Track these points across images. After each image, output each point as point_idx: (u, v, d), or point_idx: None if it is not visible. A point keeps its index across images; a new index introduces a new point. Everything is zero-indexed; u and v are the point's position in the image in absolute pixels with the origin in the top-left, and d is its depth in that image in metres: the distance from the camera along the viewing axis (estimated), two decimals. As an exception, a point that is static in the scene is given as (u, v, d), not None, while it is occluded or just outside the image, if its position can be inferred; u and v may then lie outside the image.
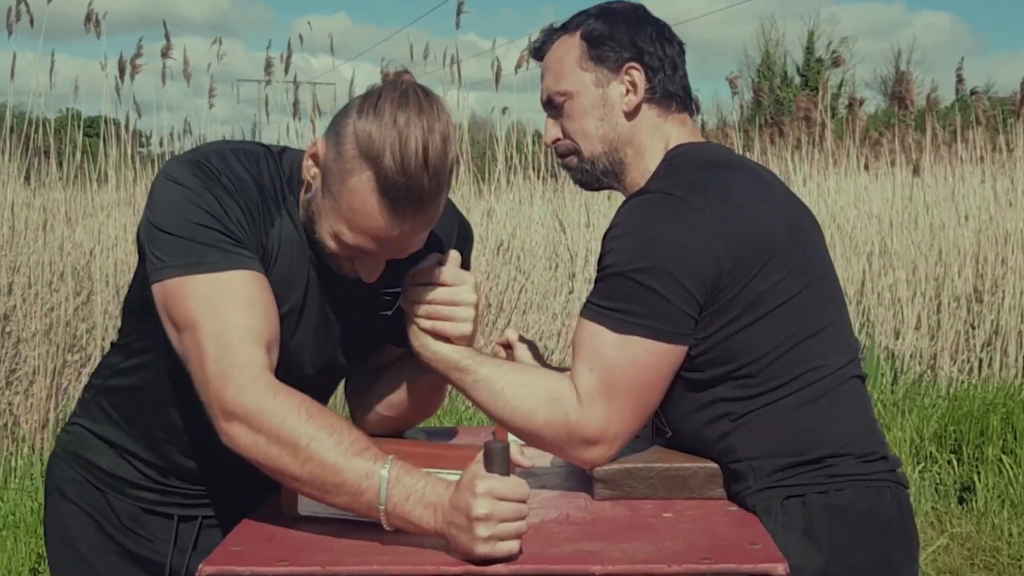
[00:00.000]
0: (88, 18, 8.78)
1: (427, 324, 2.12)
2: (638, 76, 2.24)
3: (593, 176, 2.30)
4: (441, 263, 2.13)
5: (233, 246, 1.97)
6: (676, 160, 2.20)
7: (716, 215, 2.04)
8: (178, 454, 2.27)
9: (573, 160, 2.31)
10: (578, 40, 2.28)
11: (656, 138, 2.26)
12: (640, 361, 2.05)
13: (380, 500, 1.79)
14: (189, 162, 2.03)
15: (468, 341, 2.14)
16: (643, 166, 2.25)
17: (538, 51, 2.37)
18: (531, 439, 2.14)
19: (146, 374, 2.23)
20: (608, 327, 2.06)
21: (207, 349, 1.89)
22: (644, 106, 2.26)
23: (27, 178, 8.29)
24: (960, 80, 11.25)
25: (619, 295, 2.05)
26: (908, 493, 2.18)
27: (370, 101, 1.90)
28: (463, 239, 2.32)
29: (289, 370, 1.97)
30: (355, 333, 2.23)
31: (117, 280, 7.67)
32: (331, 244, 1.99)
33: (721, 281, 2.02)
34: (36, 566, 5.23)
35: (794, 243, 2.12)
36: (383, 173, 1.86)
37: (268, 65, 10.31)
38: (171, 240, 1.96)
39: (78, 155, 8.55)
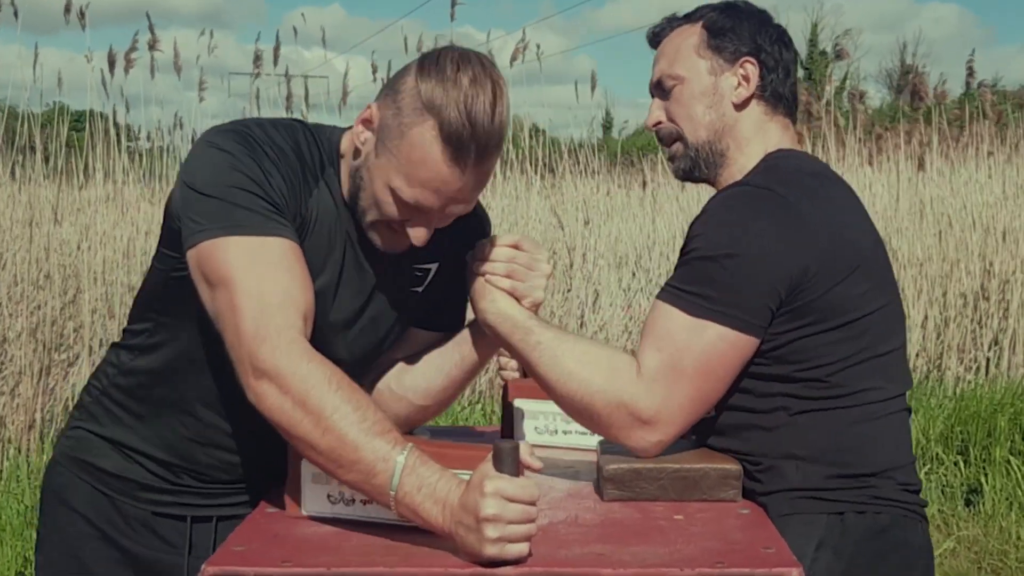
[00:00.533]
0: (67, 9, 8.73)
1: (506, 283, 2.18)
2: (752, 71, 2.29)
3: (696, 164, 2.33)
4: (520, 234, 2.21)
5: (273, 213, 2.00)
6: (775, 163, 2.23)
7: (812, 216, 2.07)
8: (200, 447, 2.26)
9: (679, 148, 2.34)
10: (699, 29, 2.33)
11: (758, 136, 2.30)
12: (712, 347, 2.06)
13: (392, 486, 1.80)
14: (230, 130, 2.06)
15: (536, 308, 2.21)
16: (741, 162, 2.29)
17: (655, 36, 2.43)
18: (582, 411, 2.14)
19: (164, 367, 2.23)
20: (683, 310, 2.08)
21: (244, 306, 1.91)
22: (753, 101, 2.30)
23: (12, 173, 8.27)
24: (971, 73, 11.25)
25: (700, 279, 2.07)
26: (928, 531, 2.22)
27: (430, 60, 1.98)
28: (485, 225, 2.37)
29: (319, 345, 1.98)
30: (387, 311, 2.25)
31: (105, 278, 7.66)
32: (385, 206, 2.03)
33: (806, 282, 2.05)
34: (22, 570, 5.22)
35: (878, 261, 2.17)
36: (447, 121, 1.92)
37: (257, 58, 10.30)
38: (211, 203, 1.98)
39: (64, 150, 8.53)
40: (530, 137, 10.76)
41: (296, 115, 10.14)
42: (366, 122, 2.05)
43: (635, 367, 2.08)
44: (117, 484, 2.29)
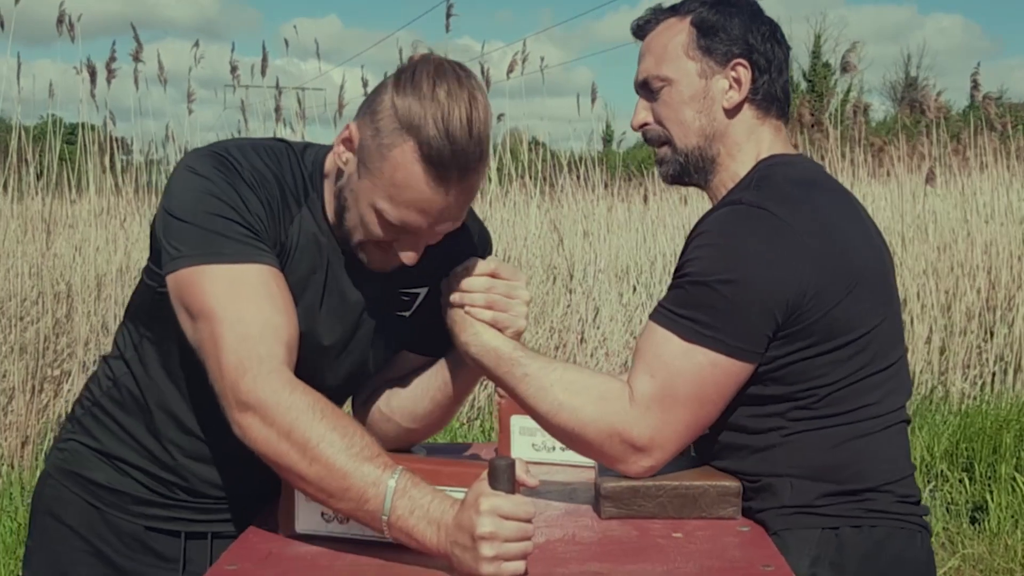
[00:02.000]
0: (60, 20, 8.75)
1: (487, 315, 2.15)
2: (744, 74, 2.24)
3: (685, 170, 2.30)
4: (495, 260, 2.19)
5: (252, 239, 1.99)
6: (769, 172, 2.20)
7: (807, 236, 2.04)
8: (191, 461, 2.26)
9: (667, 152, 2.30)
10: (687, 26, 2.27)
11: (750, 141, 2.26)
12: (706, 373, 2.04)
13: (384, 511, 1.79)
14: (210, 155, 2.06)
15: (519, 337, 2.17)
16: (733, 168, 2.26)
17: (640, 29, 2.37)
18: (575, 440, 2.13)
19: (154, 382, 2.23)
20: (677, 334, 2.05)
21: (225, 338, 1.91)
22: (745, 105, 2.26)
23: (4, 187, 8.28)
24: (975, 86, 11.25)
25: (695, 304, 2.05)
26: (930, 538, 2.20)
27: (406, 77, 1.95)
28: (483, 244, 2.34)
29: (304, 371, 1.98)
30: (373, 336, 2.24)
31: (99, 293, 7.66)
32: (372, 227, 2.02)
33: (803, 304, 2.02)
34: (14, 589, 5.23)
35: (878, 273, 2.14)
36: (426, 141, 1.90)
37: (234, 69, 10.31)
38: (189, 229, 1.98)
39: (56, 163, 8.53)
40: (529, 150, 10.77)
41: (288, 128, 10.18)
42: (346, 142, 2.04)
43: (627, 394, 2.07)
44: (110, 498, 2.29)
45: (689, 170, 2.29)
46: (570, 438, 2.13)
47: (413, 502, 1.79)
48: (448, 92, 1.91)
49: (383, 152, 1.95)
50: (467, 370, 2.26)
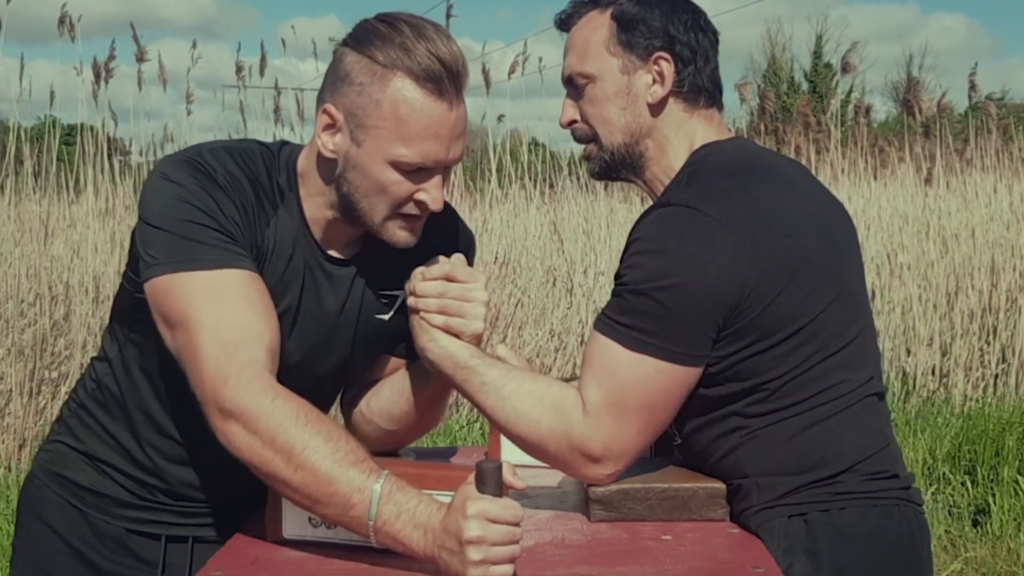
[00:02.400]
0: (62, 21, 8.77)
1: (439, 320, 2.12)
2: (667, 67, 2.20)
3: (612, 167, 2.28)
4: (450, 261, 2.15)
5: (228, 244, 1.99)
6: (699, 166, 2.17)
7: (741, 230, 2.01)
8: (171, 465, 2.25)
9: (593, 149, 2.28)
10: (608, 20, 2.24)
11: (680, 134, 2.23)
12: (652, 381, 2.04)
13: (370, 516, 1.79)
14: (183, 160, 2.05)
15: (477, 340, 2.15)
16: (665, 163, 2.24)
17: (563, 22, 2.34)
18: (534, 449, 2.12)
19: (136, 385, 2.23)
20: (621, 344, 2.04)
21: (204, 346, 1.90)
22: (670, 99, 2.22)
23: (2, 188, 8.28)
24: (973, 87, 11.25)
25: (636, 312, 2.03)
26: (921, 512, 2.16)
27: (365, 34, 2.01)
28: (465, 245, 2.33)
29: (283, 374, 1.97)
30: (353, 337, 2.24)
31: (98, 294, 7.66)
32: (395, 186, 2.01)
33: (744, 301, 2.01)
34: (11, 592, 5.22)
35: (823, 251, 2.10)
36: (415, 67, 1.95)
37: (239, 70, 10.33)
38: (164, 237, 1.98)
39: (55, 164, 8.54)
40: (529, 151, 10.78)
41: (288, 129, 10.19)
42: (328, 128, 2.03)
43: (579, 404, 2.05)
44: (92, 499, 2.29)
45: (616, 166, 2.27)
46: (529, 447, 2.12)
47: (399, 507, 1.78)
48: (409, 24, 1.98)
49: (377, 100, 1.97)
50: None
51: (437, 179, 2.04)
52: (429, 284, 2.13)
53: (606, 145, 2.25)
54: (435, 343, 2.12)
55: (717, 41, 2.27)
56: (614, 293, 2.09)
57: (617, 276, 2.10)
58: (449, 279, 2.13)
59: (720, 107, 2.29)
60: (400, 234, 2.09)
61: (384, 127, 1.98)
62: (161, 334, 2.00)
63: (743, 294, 1.99)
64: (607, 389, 2.04)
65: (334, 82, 2.03)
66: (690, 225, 2.02)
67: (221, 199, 2.01)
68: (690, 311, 1.99)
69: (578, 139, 2.31)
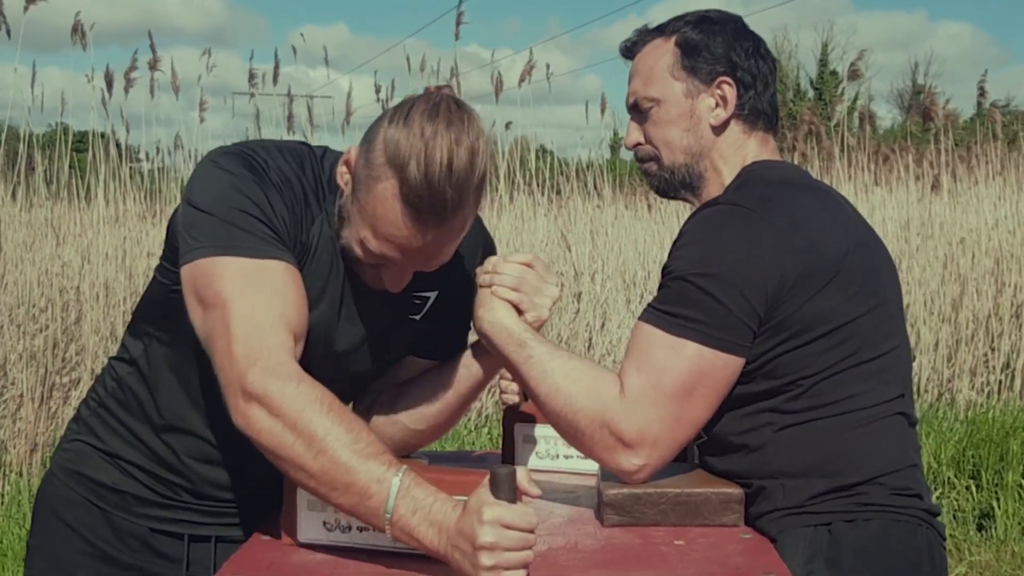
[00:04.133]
0: (75, 29, 8.78)
1: (512, 295, 2.19)
2: (729, 91, 2.29)
3: (671, 185, 2.35)
4: (532, 254, 2.26)
5: (271, 237, 2.01)
6: (749, 176, 2.24)
7: (783, 229, 2.07)
8: (196, 463, 2.26)
9: (652, 166, 2.36)
10: (672, 47, 2.32)
11: (737, 155, 2.30)
12: (692, 367, 2.05)
13: (387, 509, 1.79)
14: (236, 153, 2.08)
15: (538, 326, 2.22)
16: (719, 181, 2.29)
17: (629, 50, 2.41)
18: (567, 428, 2.14)
19: (160, 383, 2.24)
20: (663, 329, 2.07)
21: (235, 328, 1.91)
22: (732, 121, 2.30)
23: (13, 195, 8.29)
24: (982, 93, 11.26)
25: (679, 300, 2.07)
26: (942, 542, 2.16)
27: (402, 111, 1.96)
28: (487, 249, 2.37)
29: (315, 368, 1.97)
30: (386, 337, 2.26)
31: (108, 300, 7.67)
32: (357, 250, 2.04)
33: (783, 296, 2.04)
34: (22, 596, 5.23)
35: (861, 264, 2.13)
36: (407, 182, 1.90)
37: (252, 77, 10.34)
38: (211, 221, 2.00)
39: (66, 171, 8.55)
40: (537, 158, 10.78)
41: (299, 135, 10.19)
42: (347, 163, 2.06)
43: (617, 386, 2.08)
44: (114, 498, 2.29)
45: (675, 184, 2.34)
46: (563, 425, 2.15)
47: (416, 502, 1.78)
48: (435, 132, 1.90)
49: (369, 184, 1.96)
50: (476, 370, 2.30)
51: (399, 270, 2.07)
52: (510, 266, 2.21)
53: (667, 164, 2.33)
54: (493, 314, 2.19)
55: (775, 69, 2.35)
56: (660, 286, 2.14)
57: (663, 269, 2.15)
58: (529, 266, 2.21)
59: (776, 132, 2.36)
60: (368, 279, 2.14)
61: (365, 208, 1.98)
62: (192, 316, 2.00)
63: (783, 287, 2.03)
64: (646, 373, 2.06)
65: (367, 135, 2.03)
66: (734, 220, 2.09)
67: (271, 195, 2.04)
68: (732, 299, 2.03)
69: (640, 159, 2.39)
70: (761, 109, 2.30)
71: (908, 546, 2.08)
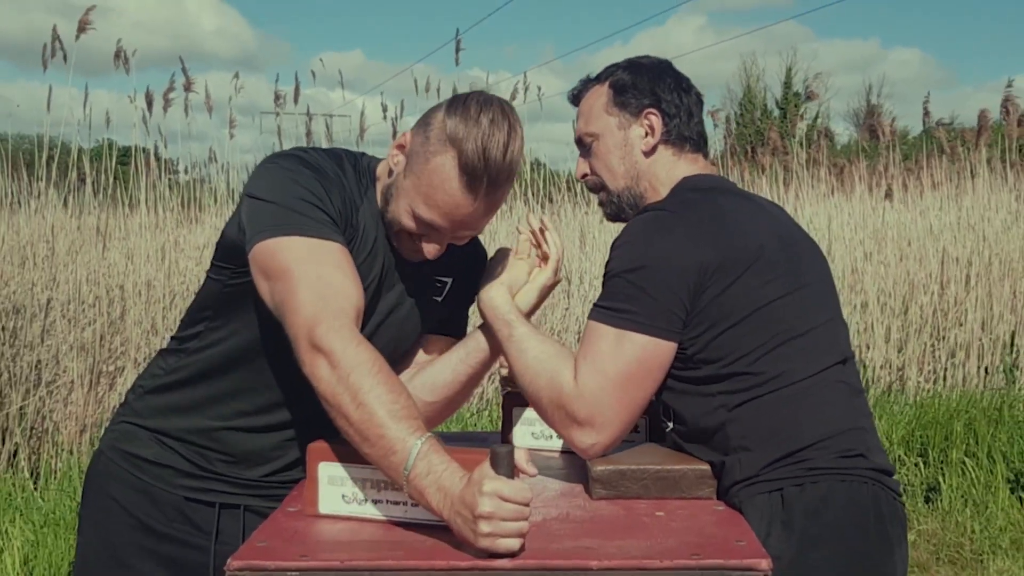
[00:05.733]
0: (117, 55, 8.77)
1: (556, 255, 2.35)
2: (656, 120, 2.37)
3: (620, 209, 2.41)
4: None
5: (328, 223, 2.07)
6: (678, 188, 2.31)
7: (701, 224, 2.14)
8: (232, 433, 2.30)
9: (603, 196, 2.44)
10: (606, 88, 2.42)
11: (670, 175, 2.36)
12: (629, 353, 2.11)
13: (407, 466, 1.80)
14: (290, 154, 2.16)
15: (531, 310, 2.33)
16: (656, 198, 2.34)
17: (575, 97, 2.52)
18: (533, 402, 2.22)
19: (211, 365, 2.28)
20: (604, 323, 2.14)
21: (304, 292, 1.96)
22: (660, 147, 2.38)
23: (65, 203, 8.28)
24: (927, 113, 11.29)
25: (616, 295, 2.13)
26: (894, 497, 2.15)
27: (459, 101, 2.08)
28: (490, 256, 2.44)
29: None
30: (414, 313, 2.33)
31: (149, 297, 7.67)
32: (406, 220, 2.12)
33: (704, 284, 2.09)
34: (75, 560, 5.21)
35: (782, 253, 2.18)
36: (465, 153, 2.02)
37: (277, 98, 10.34)
38: (274, 209, 2.05)
39: (111, 182, 8.54)
40: (532, 170, 10.78)
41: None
42: (400, 147, 2.15)
43: (572, 372, 2.14)
44: (154, 470, 2.31)
45: (624, 207, 2.40)
46: (531, 399, 2.23)
47: (431, 466, 1.80)
48: (492, 120, 2.04)
49: (428, 157, 2.06)
50: (482, 347, 2.33)
51: (440, 237, 2.15)
52: (525, 241, 2.38)
53: (612, 190, 2.40)
54: (488, 293, 2.30)
55: (701, 102, 2.44)
56: (602, 284, 2.20)
57: (605, 269, 2.21)
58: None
59: (706, 154, 2.43)
60: (404, 250, 2.22)
61: (420, 179, 2.08)
62: (260, 292, 2.05)
63: (703, 276, 2.09)
64: (591, 361, 2.12)
65: (422, 120, 2.14)
66: (659, 222, 2.17)
67: (328, 186, 2.12)
68: (659, 290, 2.09)
69: (591, 189, 2.47)
70: (687, 135, 2.38)
71: (852, 503, 2.08)
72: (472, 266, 2.40)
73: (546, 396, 2.16)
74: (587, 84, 2.49)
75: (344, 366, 1.87)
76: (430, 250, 2.16)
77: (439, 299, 2.36)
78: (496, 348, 2.31)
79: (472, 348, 2.33)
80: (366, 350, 1.90)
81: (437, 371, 2.34)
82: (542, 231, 2.37)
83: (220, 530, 2.32)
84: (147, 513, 2.31)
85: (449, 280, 2.37)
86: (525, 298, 2.33)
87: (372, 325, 2.23)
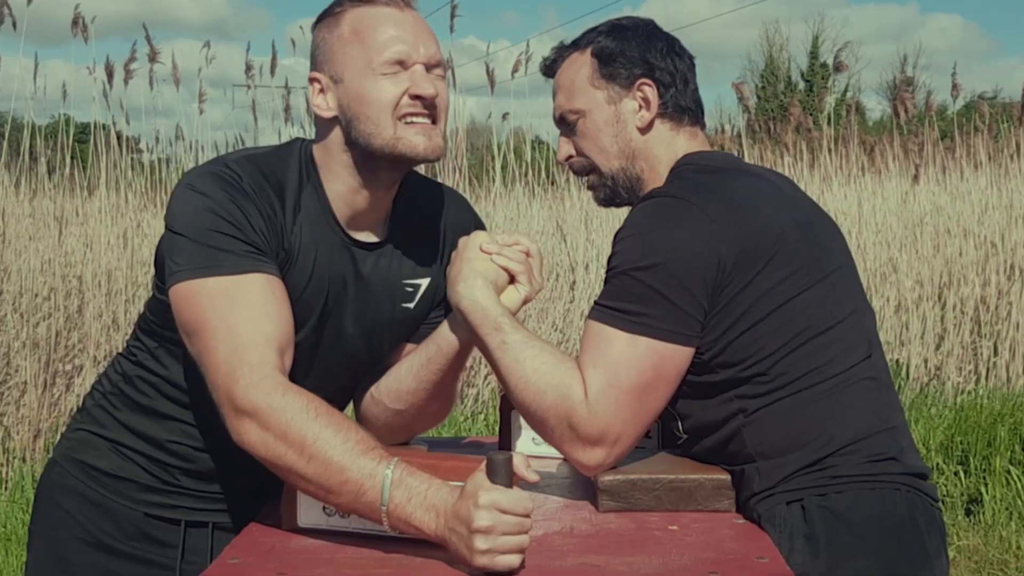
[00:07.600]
0: (75, 22, 8.76)
1: (503, 260, 2.20)
2: (650, 92, 2.30)
3: (615, 192, 2.36)
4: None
5: (250, 251, 2.03)
6: (683, 168, 2.26)
7: (718, 214, 2.08)
8: (197, 452, 2.28)
9: (595, 179, 2.37)
10: (589, 58, 2.34)
11: (669, 151, 2.31)
12: (645, 361, 2.06)
13: (382, 501, 1.80)
14: (209, 173, 2.10)
15: (525, 301, 2.24)
16: (655, 179, 2.30)
17: (549, 68, 2.44)
18: (535, 420, 2.15)
19: (168, 378, 2.27)
20: (614, 327, 2.08)
21: (218, 349, 1.95)
22: (657, 121, 2.32)
23: (16, 185, 8.27)
24: (955, 87, 11.26)
25: (625, 295, 2.08)
26: (932, 503, 2.14)
27: (319, 15, 2.18)
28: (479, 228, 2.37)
29: (316, 359, 2.07)
30: (381, 326, 2.28)
31: (110, 289, 7.66)
32: (386, 91, 2.09)
33: (723, 280, 2.05)
34: (27, 579, 5.22)
35: (803, 240, 2.14)
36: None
37: (248, 69, 10.31)
38: (189, 245, 2.03)
39: (68, 161, 8.54)
40: (533, 149, 10.77)
41: (298, 127, 10.18)
42: (319, 93, 2.15)
43: (582, 387, 2.07)
44: (112, 484, 2.30)
45: (619, 191, 2.35)
46: (531, 418, 2.16)
47: (410, 490, 1.79)
48: None
49: (337, 35, 2.12)
50: (448, 346, 2.26)
51: (420, 71, 2.12)
52: (503, 236, 2.24)
53: (605, 172, 2.34)
54: (472, 291, 2.17)
55: (694, 64, 2.39)
56: (604, 280, 2.16)
57: (607, 264, 2.16)
58: (528, 256, 2.24)
59: (703, 125, 2.40)
60: (416, 139, 2.12)
61: (352, 50, 2.11)
62: (183, 340, 2.06)
63: (722, 272, 2.05)
64: (602, 370, 2.07)
65: (311, 60, 2.17)
66: (668, 210, 2.11)
67: (247, 208, 2.06)
68: (674, 291, 2.05)
69: (577, 172, 2.41)
70: (685, 105, 2.33)
71: (884, 512, 2.06)
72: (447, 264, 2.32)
73: (554, 416, 2.09)
74: (563, 52, 2.42)
75: (277, 423, 1.87)
76: (424, 87, 2.10)
77: (410, 305, 2.31)
78: (467, 346, 2.25)
79: (434, 352, 2.27)
80: (294, 396, 1.90)
81: (400, 377, 2.31)
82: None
83: (186, 547, 2.31)
84: (104, 530, 2.30)
85: (423, 282, 2.32)
86: (508, 300, 2.22)
87: (326, 344, 2.21)
